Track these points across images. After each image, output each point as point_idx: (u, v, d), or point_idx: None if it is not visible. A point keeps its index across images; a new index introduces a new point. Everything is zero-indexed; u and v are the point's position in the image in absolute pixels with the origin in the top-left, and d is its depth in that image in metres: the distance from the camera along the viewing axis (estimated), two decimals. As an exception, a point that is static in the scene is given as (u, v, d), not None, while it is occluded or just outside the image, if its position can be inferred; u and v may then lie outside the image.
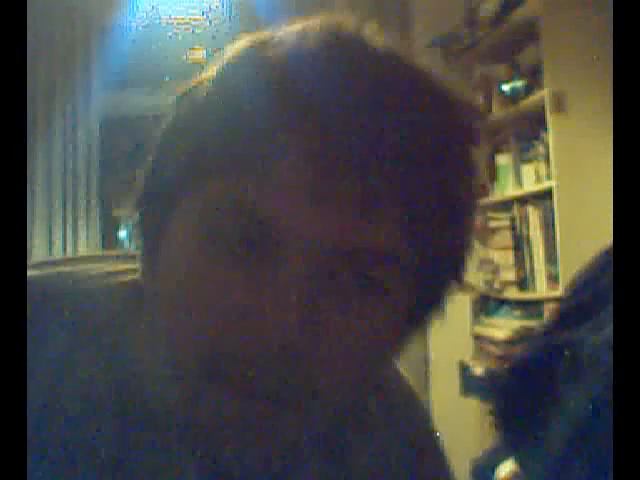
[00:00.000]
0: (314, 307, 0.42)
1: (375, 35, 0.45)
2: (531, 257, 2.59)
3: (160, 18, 3.06)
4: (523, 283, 2.64)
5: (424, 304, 0.50)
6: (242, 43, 0.46)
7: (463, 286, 0.50)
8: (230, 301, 0.43)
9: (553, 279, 2.45)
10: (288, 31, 0.45)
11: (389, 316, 0.45)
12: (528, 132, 2.61)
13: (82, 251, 2.94)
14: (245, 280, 0.43)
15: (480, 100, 2.84)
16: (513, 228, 2.68)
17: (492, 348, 2.72)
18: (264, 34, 0.46)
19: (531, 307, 2.61)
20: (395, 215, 0.42)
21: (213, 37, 2.70)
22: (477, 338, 2.89)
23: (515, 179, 2.68)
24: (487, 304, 2.90)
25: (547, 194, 2.43)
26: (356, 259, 0.43)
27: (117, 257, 0.57)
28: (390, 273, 0.44)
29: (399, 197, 0.42)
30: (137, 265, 0.50)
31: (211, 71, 0.46)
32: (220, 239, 0.43)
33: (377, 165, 0.41)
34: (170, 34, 3.02)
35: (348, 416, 0.54)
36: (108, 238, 3.28)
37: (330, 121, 0.41)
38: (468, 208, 0.47)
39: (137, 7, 3.02)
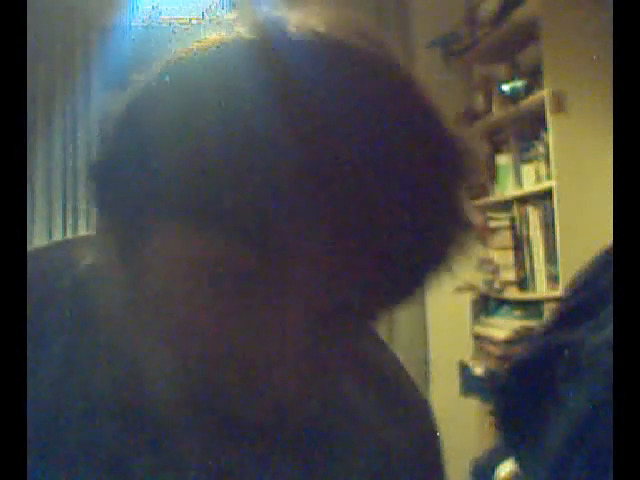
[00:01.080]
0: (312, 345, 0.41)
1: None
2: (531, 257, 2.59)
3: (160, 18, 3.06)
4: (523, 283, 2.64)
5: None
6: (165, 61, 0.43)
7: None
8: (224, 337, 0.41)
9: (553, 279, 2.45)
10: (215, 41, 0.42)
11: (363, 334, 0.46)
12: (528, 132, 2.61)
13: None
14: (242, 318, 0.41)
15: (480, 100, 2.84)
16: (513, 228, 2.68)
17: (492, 348, 2.72)
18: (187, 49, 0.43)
19: (531, 307, 2.61)
20: (389, 270, 0.42)
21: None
22: (477, 338, 2.89)
23: (515, 179, 2.68)
24: (487, 304, 2.90)
25: (547, 194, 2.43)
26: (346, 296, 0.42)
27: None
28: (371, 303, 0.44)
29: (391, 254, 0.41)
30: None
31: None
32: (208, 274, 0.41)
33: (365, 218, 0.39)
34: (170, 34, 3.02)
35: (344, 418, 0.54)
36: (108, 238, 3.27)
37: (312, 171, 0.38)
38: (449, 241, 0.46)
39: (137, 7, 3.02)
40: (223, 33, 0.43)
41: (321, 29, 0.42)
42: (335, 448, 0.53)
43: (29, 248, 0.51)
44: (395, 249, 0.41)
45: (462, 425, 2.65)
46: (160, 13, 3.04)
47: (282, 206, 0.38)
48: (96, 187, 0.46)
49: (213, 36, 0.43)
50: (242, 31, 0.42)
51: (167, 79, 0.42)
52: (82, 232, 2.98)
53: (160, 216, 0.42)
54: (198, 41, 0.43)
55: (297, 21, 0.43)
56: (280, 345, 0.41)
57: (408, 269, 0.43)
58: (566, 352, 0.81)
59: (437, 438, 0.61)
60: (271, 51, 0.41)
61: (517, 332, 2.55)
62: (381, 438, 0.55)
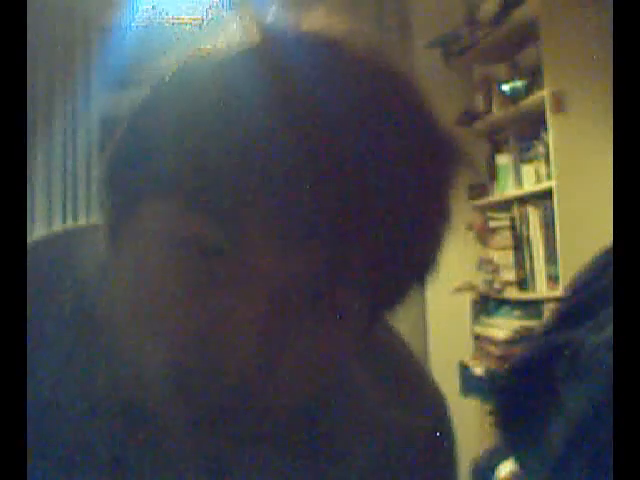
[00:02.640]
0: (271, 332, 0.41)
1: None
2: (531, 257, 2.59)
3: (160, 18, 3.06)
4: (523, 283, 2.64)
5: (381, 312, 0.49)
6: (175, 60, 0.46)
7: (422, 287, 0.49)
8: (189, 315, 0.42)
9: (553, 279, 2.45)
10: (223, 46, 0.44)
11: (345, 330, 0.45)
12: (528, 132, 2.61)
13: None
14: (206, 297, 0.42)
15: (480, 100, 2.84)
16: (513, 228, 2.68)
17: (492, 348, 2.72)
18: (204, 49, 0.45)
19: (531, 307, 2.61)
20: (358, 246, 0.42)
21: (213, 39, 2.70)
22: (477, 338, 2.90)
23: (515, 179, 2.68)
24: (487, 304, 2.90)
25: (547, 194, 2.44)
26: (314, 287, 0.42)
27: None
28: (348, 298, 0.44)
29: (361, 229, 0.41)
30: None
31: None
32: (181, 251, 0.42)
33: (339, 197, 0.40)
34: (170, 34, 3.02)
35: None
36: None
37: (290, 152, 0.40)
38: (435, 236, 0.46)
39: (137, 7, 3.02)
40: (229, 37, 0.44)
41: (322, 32, 0.44)
42: (328, 436, 0.53)
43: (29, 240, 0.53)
44: (379, 243, 0.42)
45: (462, 425, 2.65)
46: (160, 13, 3.04)
47: (278, 201, 0.40)
48: (105, 180, 0.48)
49: (220, 40, 0.45)
50: (249, 35, 0.44)
51: (175, 81, 0.45)
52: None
53: (147, 195, 0.44)
54: (203, 45, 0.45)
55: (301, 24, 0.44)
56: (240, 328, 0.41)
57: (394, 265, 0.44)
58: (566, 352, 0.81)
59: (451, 431, 0.61)
60: (276, 55, 0.42)
61: (517, 332, 2.55)
62: (387, 426, 0.55)
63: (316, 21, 0.45)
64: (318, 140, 0.40)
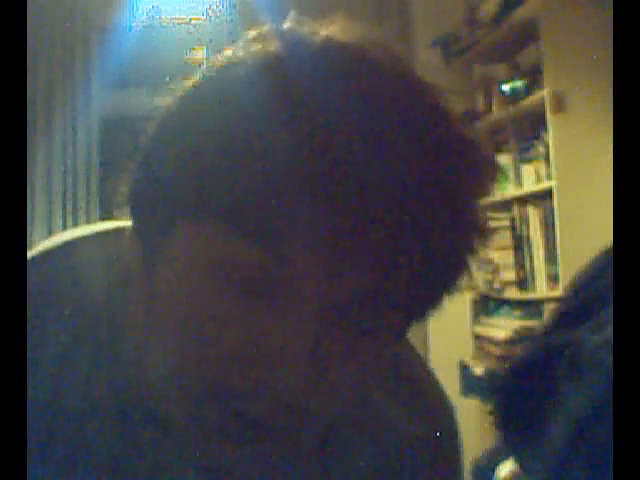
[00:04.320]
0: (319, 352, 0.41)
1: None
2: (531, 257, 2.59)
3: (160, 18, 3.06)
4: (523, 283, 2.64)
5: (410, 327, 0.49)
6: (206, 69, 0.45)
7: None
8: (233, 336, 0.42)
9: (553, 279, 2.45)
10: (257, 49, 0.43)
11: (380, 347, 0.46)
12: (528, 132, 2.61)
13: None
14: (251, 318, 0.42)
15: (480, 101, 2.84)
16: (513, 228, 2.68)
17: (492, 348, 2.72)
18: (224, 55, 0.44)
19: (531, 307, 2.61)
20: (407, 269, 0.42)
21: (210, 40, 2.71)
22: (477, 338, 2.89)
23: (515, 179, 2.68)
24: (487, 304, 2.90)
25: (547, 194, 2.44)
26: (361, 307, 0.42)
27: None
28: (390, 316, 0.44)
29: (411, 252, 0.41)
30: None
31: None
32: (225, 272, 0.41)
33: (389, 217, 0.40)
34: (170, 34, 3.02)
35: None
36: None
37: (343, 170, 0.39)
38: (470, 249, 0.46)
39: (137, 7, 3.02)
40: (248, 48, 0.44)
41: (341, 40, 0.43)
42: (350, 447, 0.53)
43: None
44: (410, 253, 0.41)
45: (462, 425, 2.65)
46: (160, 13, 3.04)
47: (324, 220, 0.39)
48: (133, 192, 0.47)
49: (238, 52, 0.44)
50: (269, 44, 0.43)
51: (206, 94, 0.43)
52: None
53: (184, 216, 0.43)
54: (224, 58, 0.44)
55: (317, 32, 0.44)
56: (286, 344, 0.41)
57: (424, 274, 0.43)
58: (566, 352, 0.81)
59: (458, 438, 0.61)
60: (294, 63, 0.42)
61: (517, 332, 2.55)
62: (399, 434, 0.55)
63: (335, 29, 0.44)
64: (362, 159, 0.39)
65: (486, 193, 0.45)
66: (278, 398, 0.41)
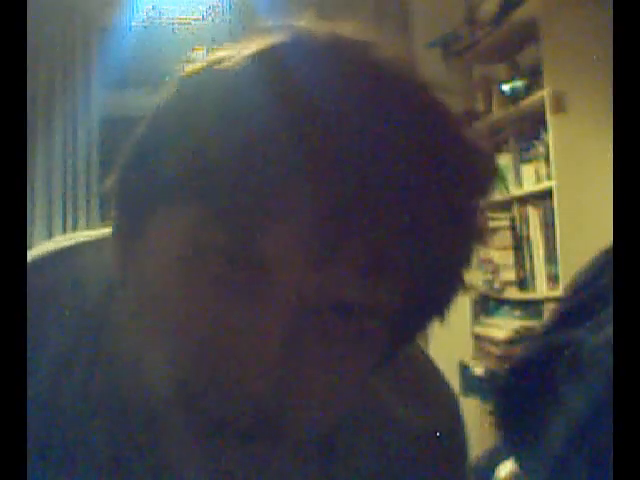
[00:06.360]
0: (297, 341, 0.40)
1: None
2: (531, 257, 2.59)
3: (160, 18, 3.06)
4: (523, 283, 2.64)
5: (405, 337, 0.49)
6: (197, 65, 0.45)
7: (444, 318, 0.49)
8: (209, 324, 0.41)
9: (553, 279, 2.45)
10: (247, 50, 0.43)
11: (369, 351, 0.45)
12: (528, 132, 2.61)
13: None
14: (228, 305, 0.41)
15: (480, 101, 2.84)
16: (513, 228, 2.68)
17: (492, 348, 2.72)
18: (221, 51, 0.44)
19: (531, 307, 2.61)
20: (396, 276, 0.41)
21: (213, 39, 2.70)
22: (477, 338, 2.89)
23: (515, 179, 2.68)
24: (487, 304, 2.90)
25: (547, 194, 2.44)
26: (346, 310, 0.42)
27: None
28: (376, 323, 0.43)
29: (403, 260, 0.41)
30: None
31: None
32: (204, 259, 0.41)
33: (382, 225, 0.39)
34: (170, 34, 3.02)
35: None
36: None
37: (335, 170, 0.39)
38: (464, 264, 0.46)
39: (137, 7, 3.02)
40: (247, 42, 0.44)
41: (342, 39, 0.43)
42: (344, 447, 0.53)
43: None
44: (402, 254, 0.41)
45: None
46: (160, 13, 3.04)
47: (305, 212, 0.39)
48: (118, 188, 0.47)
49: (238, 44, 0.44)
50: (268, 40, 0.43)
51: (194, 87, 0.44)
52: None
53: (165, 204, 0.43)
54: (222, 49, 0.44)
55: (318, 31, 0.43)
56: (262, 339, 0.40)
57: (423, 275, 0.43)
58: (566, 352, 0.81)
59: (463, 434, 0.61)
60: (293, 60, 0.42)
61: (517, 332, 2.55)
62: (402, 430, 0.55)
63: (334, 28, 0.44)
64: (351, 153, 0.39)
65: (485, 194, 0.45)
66: (246, 400, 0.40)
